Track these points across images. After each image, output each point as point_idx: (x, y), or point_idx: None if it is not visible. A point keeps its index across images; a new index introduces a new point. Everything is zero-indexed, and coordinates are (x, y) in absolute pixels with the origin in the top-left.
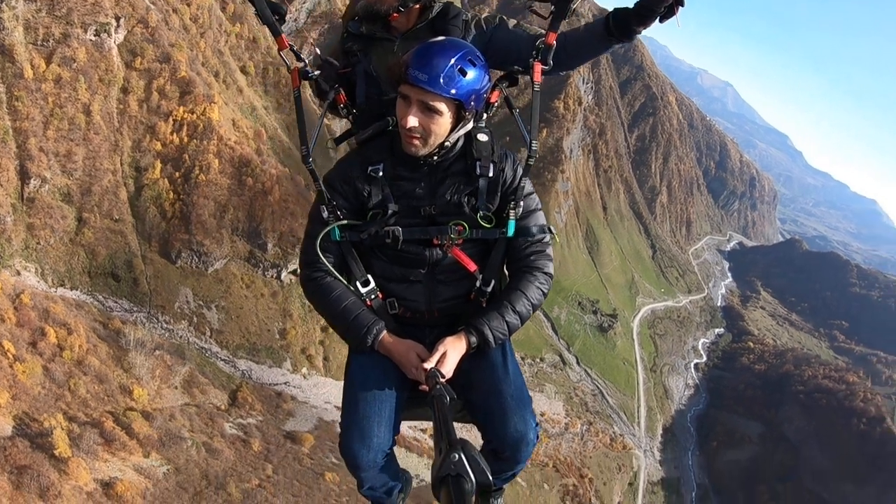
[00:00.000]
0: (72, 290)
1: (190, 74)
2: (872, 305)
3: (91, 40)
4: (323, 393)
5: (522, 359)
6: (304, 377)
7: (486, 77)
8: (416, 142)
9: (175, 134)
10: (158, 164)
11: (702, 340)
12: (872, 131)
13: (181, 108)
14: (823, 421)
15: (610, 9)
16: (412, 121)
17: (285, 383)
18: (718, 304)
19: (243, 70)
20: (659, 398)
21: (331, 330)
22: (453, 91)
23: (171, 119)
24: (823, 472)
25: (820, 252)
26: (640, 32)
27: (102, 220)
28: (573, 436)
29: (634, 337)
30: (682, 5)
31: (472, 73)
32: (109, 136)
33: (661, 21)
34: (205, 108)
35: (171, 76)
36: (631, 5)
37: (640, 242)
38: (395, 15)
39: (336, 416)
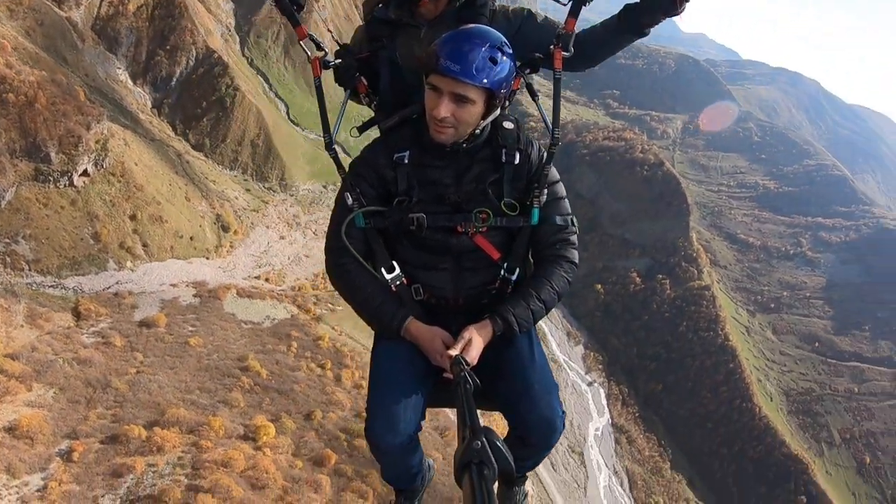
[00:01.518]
0: None
1: None
2: (639, 73)
3: None
4: (155, 277)
5: None
6: (132, 270)
7: (514, 65)
8: (448, 131)
9: None
10: None
11: None
12: None
13: None
14: (611, 174)
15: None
16: (444, 111)
17: (117, 283)
18: None
19: None
20: None
21: (140, 215)
22: (485, 80)
23: None
24: (621, 216)
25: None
26: (650, 26)
27: None
28: None
29: None
30: (688, 0)
31: (502, 62)
32: None
33: (665, 16)
34: None
35: None
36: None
37: None
38: (424, 1)
39: (177, 293)
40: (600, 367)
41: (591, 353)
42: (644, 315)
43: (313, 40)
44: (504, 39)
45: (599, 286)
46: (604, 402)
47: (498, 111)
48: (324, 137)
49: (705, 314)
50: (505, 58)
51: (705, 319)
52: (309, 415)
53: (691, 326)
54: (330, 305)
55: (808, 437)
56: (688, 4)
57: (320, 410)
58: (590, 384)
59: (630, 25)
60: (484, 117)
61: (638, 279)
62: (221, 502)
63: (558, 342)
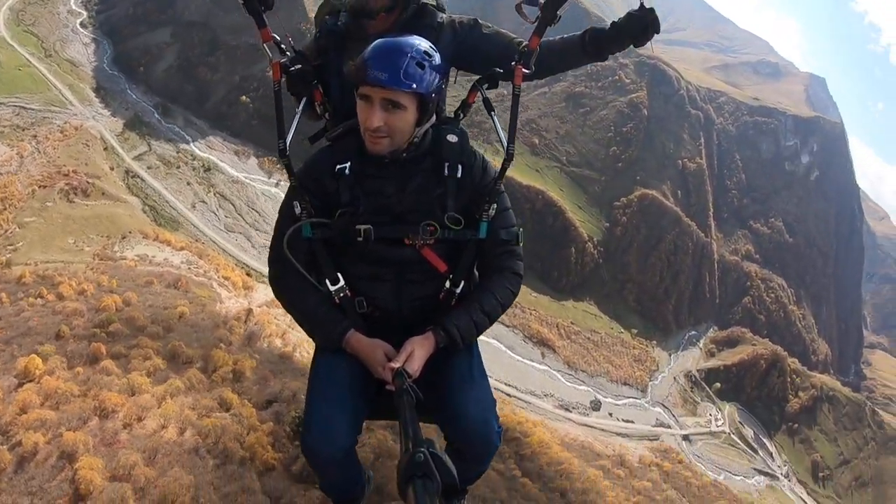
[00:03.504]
0: None
1: None
2: None
3: None
4: None
5: None
6: None
7: (444, 68)
8: (383, 141)
9: None
10: None
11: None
12: None
13: None
14: None
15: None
16: (377, 121)
17: None
18: None
19: None
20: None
21: None
22: (414, 86)
23: None
24: None
25: None
26: (613, 53)
27: None
28: None
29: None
30: (658, 32)
31: (429, 66)
32: None
33: (635, 46)
34: None
35: None
36: (607, 27)
37: None
38: (381, 15)
39: None
40: None
41: None
42: None
43: (277, 44)
44: (429, 43)
45: None
46: None
47: (433, 118)
48: (278, 144)
49: None
50: (433, 61)
51: None
52: None
53: None
54: None
55: None
56: (656, 35)
57: None
58: None
59: (594, 51)
60: (418, 124)
61: None
62: None
63: None
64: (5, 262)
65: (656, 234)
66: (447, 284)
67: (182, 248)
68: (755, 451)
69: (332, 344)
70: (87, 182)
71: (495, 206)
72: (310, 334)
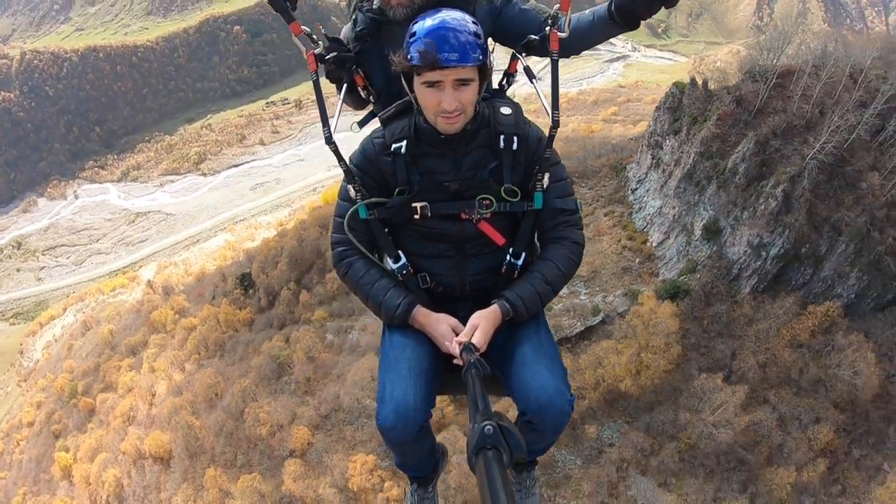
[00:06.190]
0: None
1: None
2: None
3: None
4: None
5: None
6: None
7: (486, 35)
8: (460, 118)
9: None
10: None
11: None
12: None
13: None
14: None
15: None
16: (453, 102)
17: None
18: None
19: None
20: None
21: None
22: (481, 57)
23: None
24: None
25: None
26: (645, 19)
27: None
28: None
29: None
30: None
31: (481, 31)
32: None
33: (666, 6)
34: None
35: None
36: None
37: None
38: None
39: None
40: None
41: None
42: None
43: (308, 36)
44: (469, 15)
45: None
46: None
47: (488, 81)
48: (323, 131)
49: None
50: (481, 31)
51: None
52: None
53: None
54: None
55: None
56: None
57: None
58: None
59: (624, 18)
60: (480, 91)
61: None
62: None
63: None
64: None
65: None
66: (508, 257)
67: None
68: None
69: (399, 320)
70: None
71: (548, 175)
72: (376, 312)
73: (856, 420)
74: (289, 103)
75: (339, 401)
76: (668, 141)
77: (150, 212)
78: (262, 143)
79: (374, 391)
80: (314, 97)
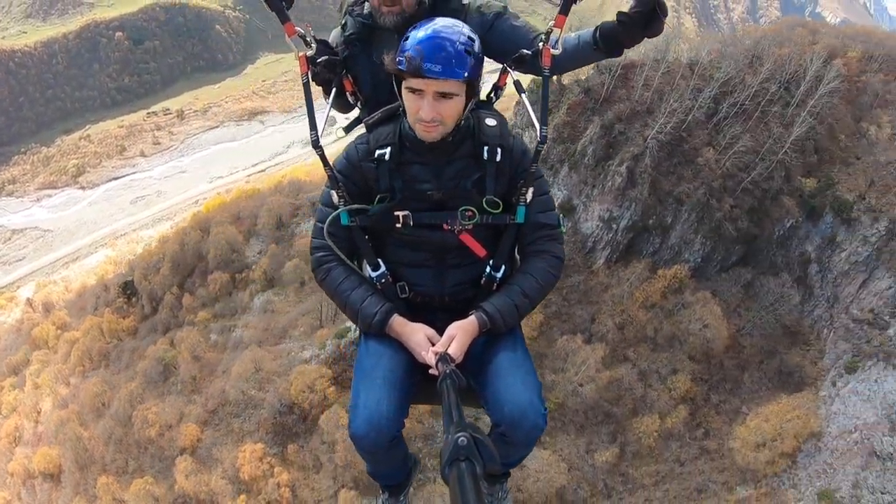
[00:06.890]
0: None
1: None
2: None
3: None
4: None
5: None
6: None
7: (483, 51)
8: (437, 128)
9: None
10: None
11: None
12: None
13: None
14: None
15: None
16: (431, 112)
17: None
18: None
19: None
20: None
21: None
22: (466, 74)
23: None
24: None
25: None
26: (627, 47)
27: None
28: None
29: None
30: (666, 14)
31: (473, 49)
32: None
33: (649, 37)
34: None
35: None
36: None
37: None
38: (409, 0)
39: None
40: None
41: None
42: None
43: (302, 37)
44: (470, 29)
45: None
46: None
47: (475, 97)
48: (310, 135)
49: None
50: (476, 46)
51: None
52: None
53: None
54: None
55: None
56: (666, 18)
57: None
58: None
59: (608, 45)
60: (465, 108)
61: None
62: None
63: None
64: None
65: None
66: (488, 269)
67: None
68: None
69: (375, 328)
70: None
71: (532, 189)
72: (353, 319)
73: (711, 370)
74: (171, 114)
75: (226, 395)
76: (525, 132)
77: (26, 228)
78: (142, 154)
79: (258, 382)
80: (191, 108)
